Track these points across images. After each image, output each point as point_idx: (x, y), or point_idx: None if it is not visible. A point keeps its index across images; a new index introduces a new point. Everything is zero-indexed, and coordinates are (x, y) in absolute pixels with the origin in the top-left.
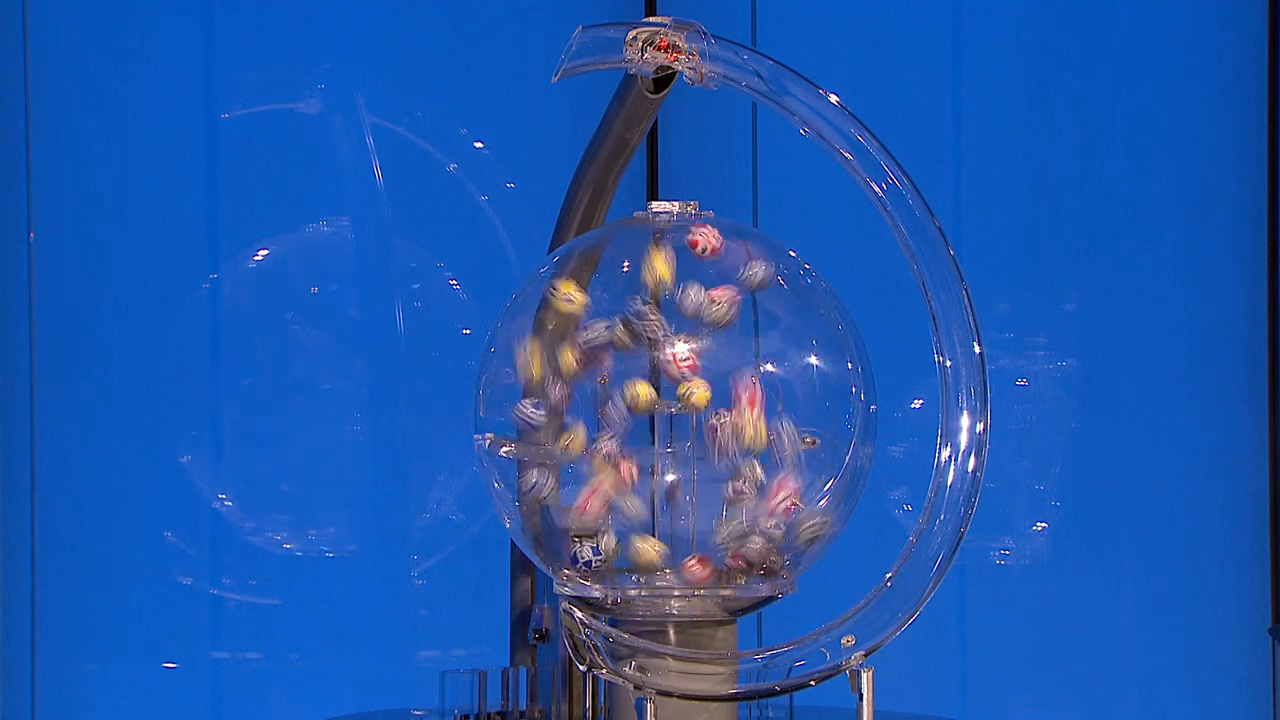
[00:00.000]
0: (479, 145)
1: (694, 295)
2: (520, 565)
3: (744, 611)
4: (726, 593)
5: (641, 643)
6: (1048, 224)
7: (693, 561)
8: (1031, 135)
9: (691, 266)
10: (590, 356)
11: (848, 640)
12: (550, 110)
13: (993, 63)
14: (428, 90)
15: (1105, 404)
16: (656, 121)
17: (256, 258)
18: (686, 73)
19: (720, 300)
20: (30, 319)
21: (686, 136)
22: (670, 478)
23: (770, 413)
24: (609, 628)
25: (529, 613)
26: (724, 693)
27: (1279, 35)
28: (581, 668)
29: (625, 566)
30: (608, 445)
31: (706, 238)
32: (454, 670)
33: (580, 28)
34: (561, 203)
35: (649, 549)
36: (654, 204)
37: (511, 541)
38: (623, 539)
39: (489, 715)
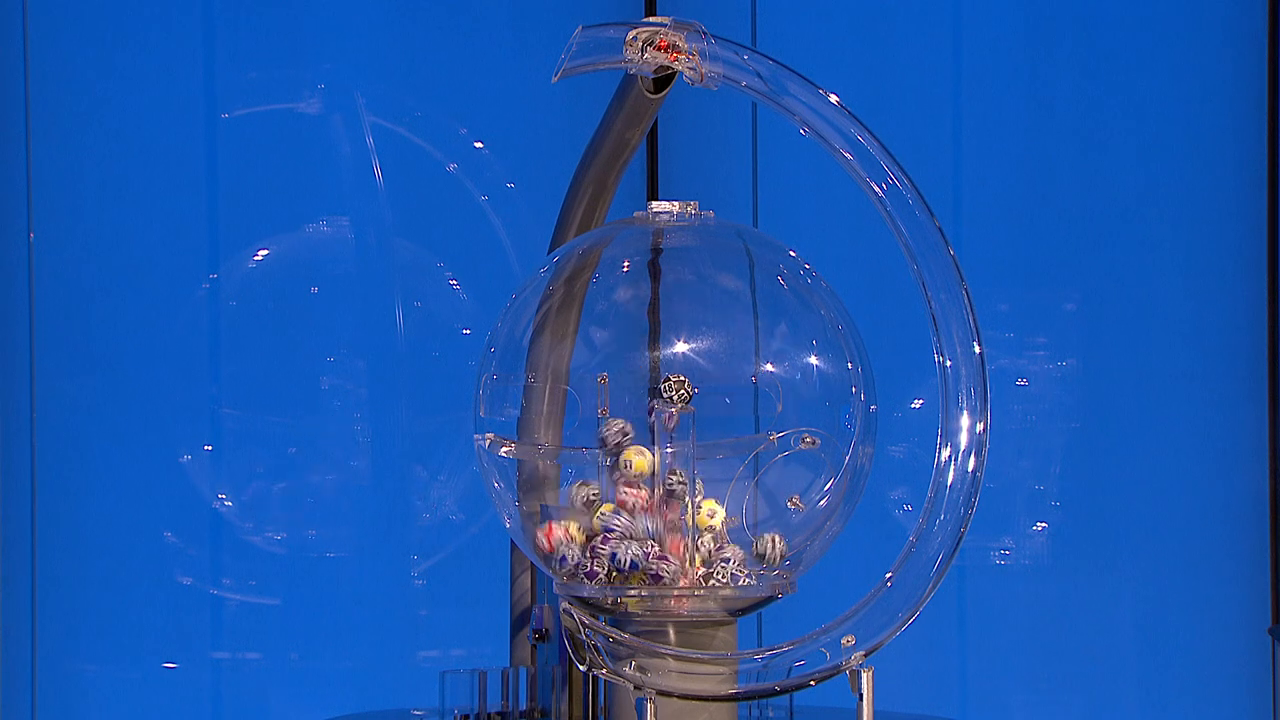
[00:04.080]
0: (479, 145)
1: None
2: (520, 565)
3: (744, 611)
4: (727, 593)
5: (641, 643)
6: (1048, 224)
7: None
8: (1031, 135)
9: None
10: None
11: (848, 640)
12: (550, 110)
13: (993, 63)
14: (428, 90)
15: (1105, 404)
16: (656, 121)
17: (256, 258)
18: (686, 73)
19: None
20: (30, 319)
21: (686, 136)
22: (671, 478)
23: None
24: (609, 628)
25: (529, 613)
26: (724, 693)
27: (1279, 35)
28: (581, 668)
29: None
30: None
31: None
32: (454, 670)
33: (580, 28)
34: (561, 203)
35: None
36: (654, 204)
37: (511, 541)
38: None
39: (489, 715)
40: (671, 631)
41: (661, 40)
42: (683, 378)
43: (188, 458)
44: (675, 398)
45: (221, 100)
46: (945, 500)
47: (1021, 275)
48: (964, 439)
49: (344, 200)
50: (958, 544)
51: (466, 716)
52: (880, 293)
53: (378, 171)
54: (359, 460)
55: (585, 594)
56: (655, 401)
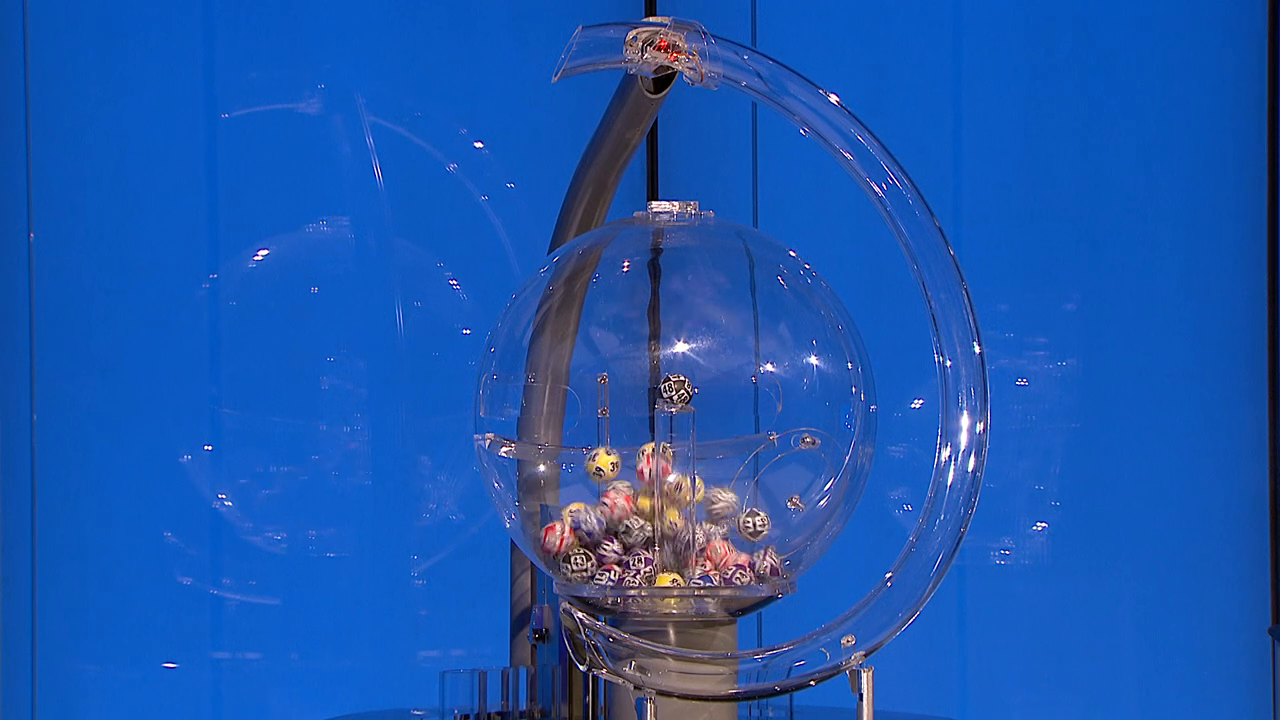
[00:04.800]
0: (479, 145)
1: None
2: (520, 565)
3: (744, 611)
4: (727, 593)
5: (641, 643)
6: (1048, 224)
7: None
8: (1031, 135)
9: None
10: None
11: (848, 640)
12: (550, 110)
13: (993, 63)
14: (428, 90)
15: (1105, 404)
16: (656, 121)
17: (256, 258)
18: (686, 73)
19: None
20: (30, 319)
21: (686, 136)
22: (671, 478)
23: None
24: (609, 628)
25: (529, 613)
26: (724, 693)
27: (1279, 35)
28: (581, 668)
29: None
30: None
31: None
32: (454, 670)
33: (580, 28)
34: (561, 203)
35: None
36: (654, 204)
37: (511, 541)
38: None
39: (489, 715)
40: (671, 631)
41: (661, 40)
42: (683, 378)
43: (188, 458)
44: (675, 398)
45: (221, 100)
46: (945, 500)
47: (1021, 275)
48: (964, 439)
49: (344, 200)
50: (958, 544)
51: (466, 716)
52: (880, 293)
53: (378, 171)
54: (359, 460)
55: (585, 594)
56: (656, 401)
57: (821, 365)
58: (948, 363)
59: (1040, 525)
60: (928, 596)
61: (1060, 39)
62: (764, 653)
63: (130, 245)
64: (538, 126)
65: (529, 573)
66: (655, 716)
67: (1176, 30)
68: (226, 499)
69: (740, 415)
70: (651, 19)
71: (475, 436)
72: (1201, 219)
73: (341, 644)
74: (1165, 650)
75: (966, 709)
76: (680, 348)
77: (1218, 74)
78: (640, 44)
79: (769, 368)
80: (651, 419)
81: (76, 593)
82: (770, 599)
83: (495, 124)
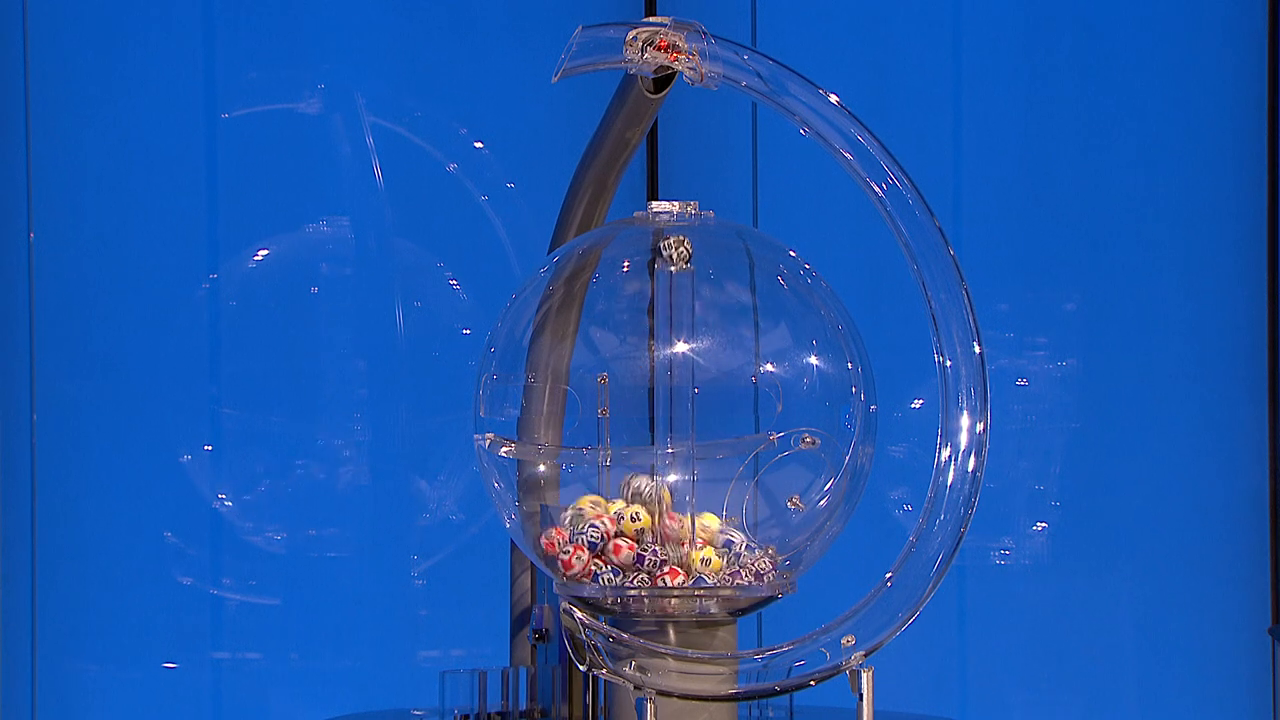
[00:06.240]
0: (479, 145)
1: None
2: (520, 565)
3: (744, 611)
4: (726, 593)
5: (641, 643)
6: (1048, 224)
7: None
8: (1031, 135)
9: None
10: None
11: (848, 640)
12: (550, 110)
13: (993, 63)
14: (428, 90)
15: (1105, 404)
16: (656, 121)
17: (256, 258)
18: (686, 73)
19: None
20: (30, 319)
21: (686, 136)
22: (671, 478)
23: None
24: (609, 628)
25: (529, 613)
26: (724, 693)
27: (1279, 35)
28: (581, 668)
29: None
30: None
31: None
32: (454, 670)
33: (580, 28)
34: (561, 203)
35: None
36: (654, 204)
37: (511, 541)
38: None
39: (489, 715)
40: (671, 631)
41: (661, 40)
42: (683, 237)
43: (188, 458)
44: (675, 256)
45: (221, 100)
46: (945, 500)
47: (1021, 275)
48: (964, 439)
49: (344, 200)
50: (958, 544)
51: (466, 716)
52: (880, 293)
53: (378, 171)
54: (359, 460)
55: (586, 594)
56: (656, 261)
57: (821, 365)
58: (948, 363)
59: (1040, 525)
60: (928, 596)
61: (1060, 39)
62: (764, 653)
63: (130, 245)
64: (538, 126)
65: (529, 573)
66: (655, 716)
67: (1176, 30)
68: (226, 499)
69: (740, 415)
70: (651, 19)
71: (475, 436)
72: (1201, 219)
73: (341, 644)
74: (1165, 650)
75: (966, 709)
76: (680, 348)
77: (1218, 74)
78: (640, 44)
79: (769, 368)
80: (651, 419)
81: (76, 593)
82: (770, 599)
83: (495, 124)
